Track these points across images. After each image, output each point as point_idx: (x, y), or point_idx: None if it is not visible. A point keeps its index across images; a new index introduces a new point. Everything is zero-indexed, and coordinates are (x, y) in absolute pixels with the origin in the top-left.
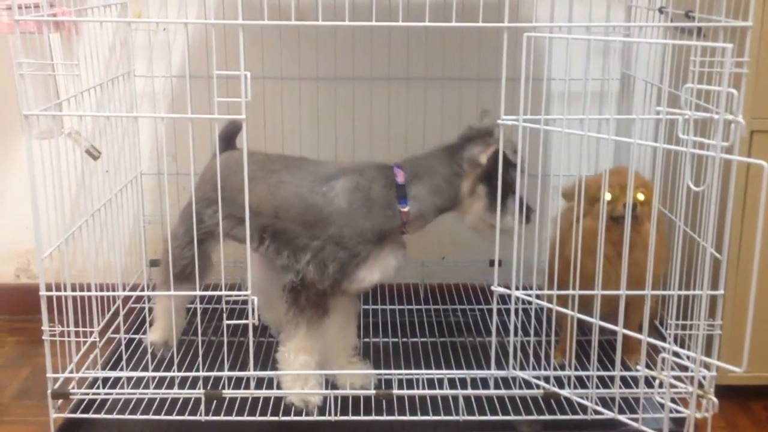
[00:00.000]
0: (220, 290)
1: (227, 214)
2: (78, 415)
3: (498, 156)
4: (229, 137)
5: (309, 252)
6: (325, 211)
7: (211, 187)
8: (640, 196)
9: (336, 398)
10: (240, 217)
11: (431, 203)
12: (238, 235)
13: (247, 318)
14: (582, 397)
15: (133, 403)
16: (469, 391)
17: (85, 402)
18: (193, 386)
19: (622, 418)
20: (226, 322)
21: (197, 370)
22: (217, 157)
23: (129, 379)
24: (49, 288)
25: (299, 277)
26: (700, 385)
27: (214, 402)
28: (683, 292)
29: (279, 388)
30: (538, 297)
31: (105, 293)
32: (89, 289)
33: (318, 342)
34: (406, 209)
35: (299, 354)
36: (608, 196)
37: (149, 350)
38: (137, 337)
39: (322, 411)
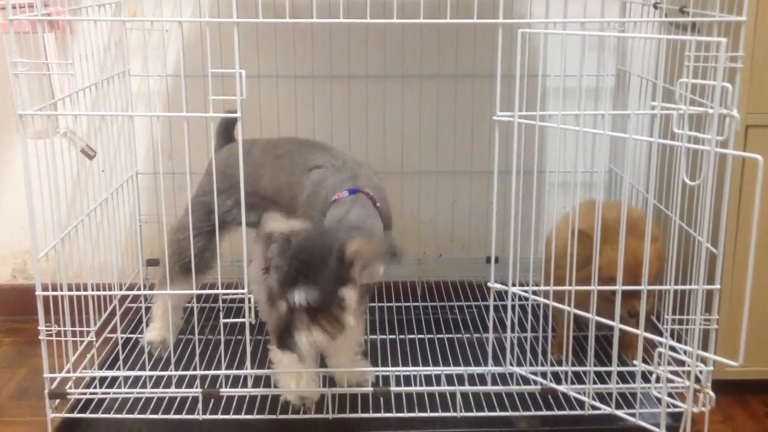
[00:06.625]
0: (217, 289)
1: (236, 201)
2: (75, 415)
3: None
4: (227, 129)
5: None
6: (298, 200)
7: (220, 177)
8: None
9: (333, 396)
10: (248, 203)
11: None
12: (247, 220)
13: (244, 316)
14: (579, 393)
15: (130, 403)
16: (467, 388)
17: (83, 402)
18: (190, 385)
19: (619, 413)
20: (223, 320)
21: (194, 369)
22: (213, 151)
23: (126, 378)
24: (45, 288)
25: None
26: (697, 380)
27: (212, 401)
28: (679, 287)
29: (276, 386)
30: (534, 293)
31: (101, 293)
32: (86, 289)
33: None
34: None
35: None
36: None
37: (146, 349)
38: (134, 336)
39: (319, 409)
